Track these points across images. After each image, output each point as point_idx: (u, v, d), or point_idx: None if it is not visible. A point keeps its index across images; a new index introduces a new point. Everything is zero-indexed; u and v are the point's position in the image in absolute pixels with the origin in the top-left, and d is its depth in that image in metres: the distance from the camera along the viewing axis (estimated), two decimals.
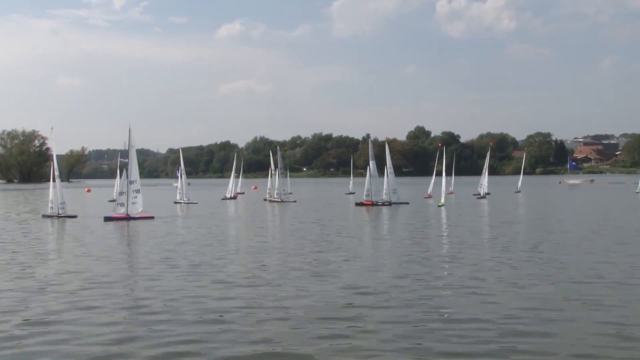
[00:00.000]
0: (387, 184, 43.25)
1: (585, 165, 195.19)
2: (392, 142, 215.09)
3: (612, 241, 19.76)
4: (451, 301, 11.17)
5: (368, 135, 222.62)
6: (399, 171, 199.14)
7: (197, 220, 31.66)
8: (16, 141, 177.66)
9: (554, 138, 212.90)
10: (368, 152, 42.96)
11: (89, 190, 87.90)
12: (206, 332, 9.23)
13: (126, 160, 30.81)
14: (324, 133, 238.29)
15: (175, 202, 49.01)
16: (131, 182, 30.93)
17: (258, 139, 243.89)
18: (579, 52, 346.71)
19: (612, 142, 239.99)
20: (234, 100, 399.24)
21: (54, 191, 32.77)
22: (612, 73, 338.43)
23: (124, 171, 32.33)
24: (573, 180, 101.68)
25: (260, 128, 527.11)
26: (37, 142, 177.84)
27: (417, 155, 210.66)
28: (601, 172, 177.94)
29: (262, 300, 11.34)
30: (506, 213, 34.71)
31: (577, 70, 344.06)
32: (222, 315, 10.20)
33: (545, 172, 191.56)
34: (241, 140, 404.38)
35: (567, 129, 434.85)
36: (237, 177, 60.95)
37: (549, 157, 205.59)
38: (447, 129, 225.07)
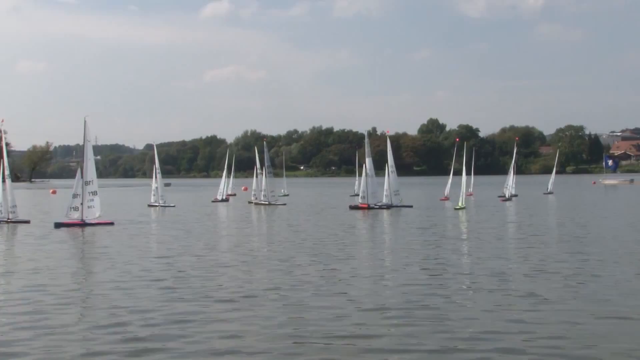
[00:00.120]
0: (388, 185, 43.05)
1: (624, 163, 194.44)
2: (402, 137, 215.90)
3: None
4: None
5: (374, 129, 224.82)
6: (409, 170, 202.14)
7: (164, 226, 31.25)
8: None
9: (587, 132, 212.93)
10: (370, 149, 42.82)
11: (54, 192, 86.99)
12: None
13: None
14: (324, 127, 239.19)
15: (150, 205, 48.82)
16: (87, 183, 30.42)
17: (249, 133, 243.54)
18: (616, 33, 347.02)
19: None
20: (221, 89, 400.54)
21: (3, 193, 32.10)
22: None
23: (78, 170, 31.49)
24: (609, 180, 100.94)
25: (251, 121, 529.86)
26: None
27: (430, 152, 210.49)
28: None
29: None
30: (537, 218, 34.11)
31: (614, 53, 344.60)
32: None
33: (577, 171, 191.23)
34: (230, 134, 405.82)
35: (603, 122, 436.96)
36: (228, 176, 61.56)
37: (582, 153, 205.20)
38: (464, 122, 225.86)
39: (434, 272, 15.99)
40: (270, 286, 14.21)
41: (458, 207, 40.56)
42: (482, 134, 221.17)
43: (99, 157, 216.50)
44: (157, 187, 49.46)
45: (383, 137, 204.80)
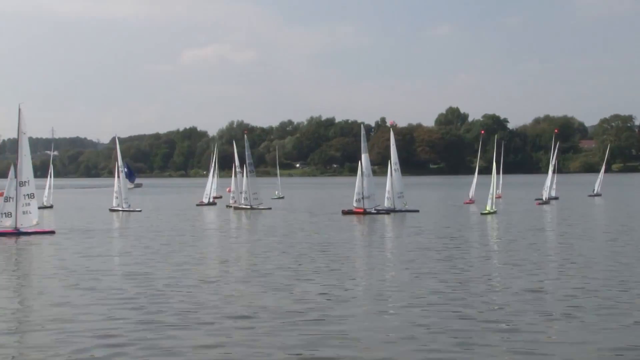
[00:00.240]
0: (391, 185, 43.08)
1: None
2: (416, 129, 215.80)
3: None
4: None
5: (383, 120, 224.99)
6: (425, 167, 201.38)
7: (117, 235, 31.35)
8: None
9: (637, 123, 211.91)
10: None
11: (1, 194, 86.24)
12: None
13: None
14: (324, 117, 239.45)
15: (112, 210, 48.72)
16: (22, 184, 30.31)
17: (235, 125, 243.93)
18: None
19: None
20: (202, 71, 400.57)
21: None
22: None
23: (11, 169, 31.06)
24: None
25: (237, 110, 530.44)
26: None
27: (450, 147, 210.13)
28: None
29: None
30: (585, 224, 33.69)
31: None
32: None
33: (625, 169, 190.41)
34: (212, 126, 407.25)
35: None
36: (214, 175, 62.58)
37: (631, 148, 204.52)
38: (489, 111, 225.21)
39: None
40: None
41: (486, 211, 40.34)
42: (511, 126, 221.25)
43: (56, 153, 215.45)
44: (119, 189, 48.86)
45: (399, 128, 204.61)
